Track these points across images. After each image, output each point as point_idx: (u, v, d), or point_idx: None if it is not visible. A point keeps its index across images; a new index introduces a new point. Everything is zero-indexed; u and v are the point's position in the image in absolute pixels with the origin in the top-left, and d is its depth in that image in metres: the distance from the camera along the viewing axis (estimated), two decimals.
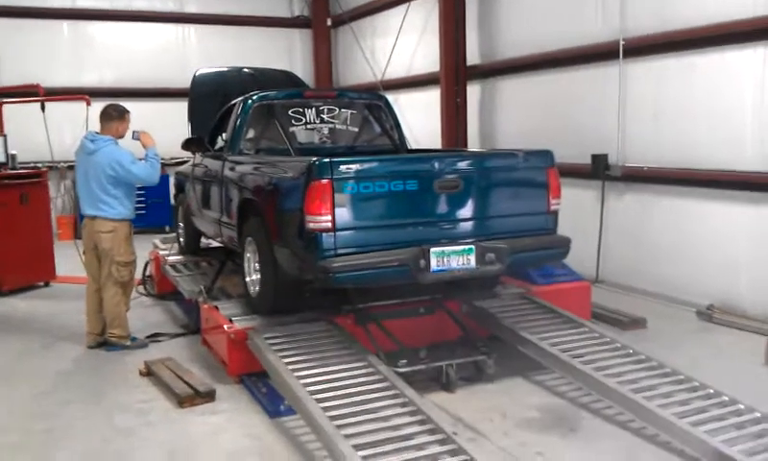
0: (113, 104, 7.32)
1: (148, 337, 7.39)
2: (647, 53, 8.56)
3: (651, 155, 8.63)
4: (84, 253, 7.25)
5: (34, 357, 6.92)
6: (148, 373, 6.29)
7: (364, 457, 4.13)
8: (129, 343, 7.15)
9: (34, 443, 5.10)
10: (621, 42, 8.73)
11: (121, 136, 7.12)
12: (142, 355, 6.72)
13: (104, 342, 7.16)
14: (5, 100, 11.41)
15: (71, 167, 14.25)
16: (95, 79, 14.94)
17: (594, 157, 9.19)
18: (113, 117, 7.10)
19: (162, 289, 9.11)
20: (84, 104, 9.49)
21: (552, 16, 10.02)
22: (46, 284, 10.12)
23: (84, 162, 7.04)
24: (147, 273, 9.63)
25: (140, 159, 7.08)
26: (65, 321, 8.27)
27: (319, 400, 4.77)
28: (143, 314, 8.43)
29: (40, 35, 14.72)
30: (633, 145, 8.88)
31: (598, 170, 9.16)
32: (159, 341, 7.33)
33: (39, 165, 10.97)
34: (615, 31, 8.85)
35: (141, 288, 9.38)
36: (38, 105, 9.39)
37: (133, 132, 7.21)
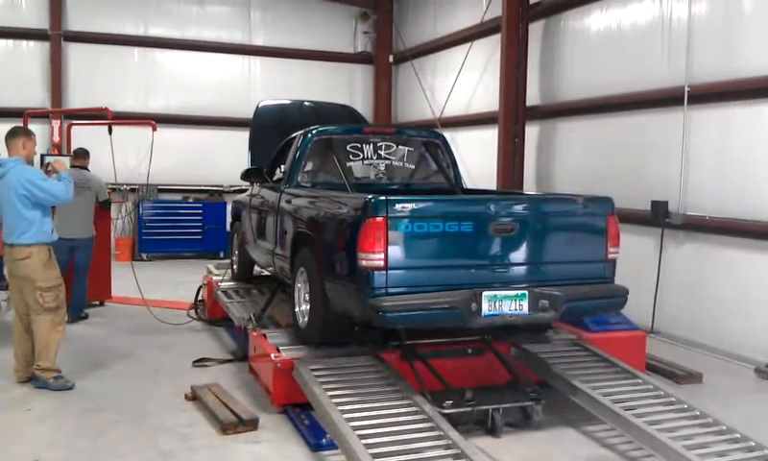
0: (18, 125, 7.19)
1: (196, 362, 7.43)
2: (713, 100, 8.40)
3: (713, 204, 8.41)
4: (8, 285, 6.97)
5: (84, 374, 7.01)
6: (194, 397, 6.33)
7: None
8: (51, 380, 6.59)
9: (78, 460, 5.15)
10: (686, 89, 8.59)
11: (29, 157, 6.79)
12: (189, 379, 6.75)
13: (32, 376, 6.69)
14: (74, 121, 11.83)
15: (133, 190, 14.68)
16: (161, 105, 15.31)
17: (654, 203, 9.01)
18: (18, 134, 6.73)
19: (213, 315, 9.19)
20: (149, 129, 9.71)
21: (616, 60, 9.92)
22: (101, 303, 10.29)
23: None
24: (199, 297, 9.75)
25: None
26: (117, 340, 8.43)
27: (361, 437, 4.72)
28: (193, 338, 8.58)
29: (112, 60, 15.21)
30: (695, 193, 8.67)
31: (657, 217, 8.97)
32: (207, 366, 7.37)
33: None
34: (681, 76, 8.70)
35: (192, 313, 9.50)
36: (106, 128, 9.61)
37: (47, 163, 7.27)
